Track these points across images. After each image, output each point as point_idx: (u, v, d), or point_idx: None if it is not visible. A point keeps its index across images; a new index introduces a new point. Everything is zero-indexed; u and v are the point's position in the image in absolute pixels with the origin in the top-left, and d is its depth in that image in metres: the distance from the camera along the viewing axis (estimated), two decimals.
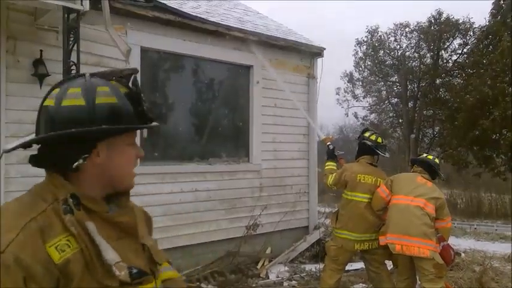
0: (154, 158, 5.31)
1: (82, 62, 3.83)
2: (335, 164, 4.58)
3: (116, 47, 3.91)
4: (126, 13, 4.63)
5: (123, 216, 1.05)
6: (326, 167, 4.58)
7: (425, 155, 4.67)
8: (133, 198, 4.42)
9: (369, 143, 4.40)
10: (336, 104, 23.46)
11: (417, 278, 4.26)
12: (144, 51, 4.98)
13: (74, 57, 3.55)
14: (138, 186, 4.44)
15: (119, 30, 4.46)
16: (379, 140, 4.48)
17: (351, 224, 4.26)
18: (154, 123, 1.06)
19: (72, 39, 3.36)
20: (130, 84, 1.04)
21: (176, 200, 5.38)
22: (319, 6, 66.17)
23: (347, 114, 24.05)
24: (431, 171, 4.37)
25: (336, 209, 4.71)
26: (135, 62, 4.80)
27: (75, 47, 3.51)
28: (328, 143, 4.75)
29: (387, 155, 4.75)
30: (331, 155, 4.64)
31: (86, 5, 3.35)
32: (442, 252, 4.12)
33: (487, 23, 16.89)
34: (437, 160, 4.55)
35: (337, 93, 23.03)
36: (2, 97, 3.95)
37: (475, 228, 12.05)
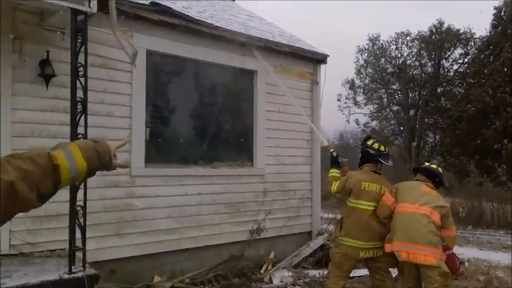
0: (160, 160, 5.32)
1: (89, 63, 3.85)
2: (338, 171, 4.56)
3: (123, 50, 3.93)
4: (133, 16, 4.66)
5: None
6: (330, 174, 4.55)
7: (427, 163, 4.66)
8: (138, 200, 4.46)
9: (372, 151, 4.39)
10: (337, 110, 23.56)
11: (422, 286, 4.24)
12: (149, 54, 5.01)
13: (81, 59, 3.56)
14: (144, 188, 4.46)
15: (125, 33, 4.49)
16: (382, 148, 4.46)
17: (355, 232, 4.22)
18: None
19: (79, 40, 3.38)
20: None
21: (181, 203, 5.37)
22: (320, 14, 66.58)
23: (348, 121, 24.11)
24: (435, 180, 4.36)
25: (340, 217, 4.67)
26: (140, 65, 4.83)
27: (82, 49, 3.53)
28: (331, 150, 4.75)
29: (390, 163, 4.71)
30: (335, 162, 4.61)
31: (94, 7, 3.38)
32: (448, 261, 4.10)
33: (488, 34, 16.99)
34: (440, 169, 4.54)
35: (339, 100, 23.13)
36: (9, 97, 3.96)
37: (478, 237, 11.98)
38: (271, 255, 6.41)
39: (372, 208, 4.22)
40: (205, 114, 5.96)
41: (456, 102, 18.00)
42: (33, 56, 4.07)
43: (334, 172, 4.53)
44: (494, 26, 16.54)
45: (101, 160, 1.23)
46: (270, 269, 6.16)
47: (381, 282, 4.34)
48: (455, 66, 20.46)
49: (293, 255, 6.57)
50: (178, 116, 5.72)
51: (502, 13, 16.15)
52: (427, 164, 4.61)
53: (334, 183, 4.39)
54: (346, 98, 23.11)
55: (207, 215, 5.67)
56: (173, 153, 5.58)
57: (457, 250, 6.48)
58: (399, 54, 21.51)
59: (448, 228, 4.13)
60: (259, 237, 5.93)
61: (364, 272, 6.01)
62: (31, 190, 1.01)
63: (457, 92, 19.65)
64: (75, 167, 1.14)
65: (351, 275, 4.78)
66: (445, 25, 19.45)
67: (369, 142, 4.47)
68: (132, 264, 4.95)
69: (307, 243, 6.84)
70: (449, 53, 20.35)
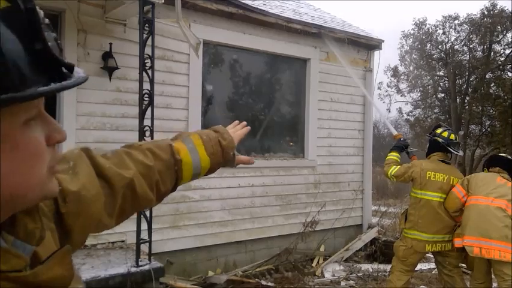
0: None
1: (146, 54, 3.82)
2: (399, 155, 4.41)
3: (185, 41, 3.88)
4: (191, 6, 4.60)
5: (50, 271, 0.55)
6: (389, 157, 4.39)
7: (502, 154, 4.39)
8: (194, 192, 4.39)
9: (441, 139, 4.21)
10: (378, 98, 22.84)
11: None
12: (205, 44, 4.94)
13: (146, 51, 3.53)
14: (199, 180, 4.38)
15: (185, 24, 4.43)
16: (452, 136, 4.26)
17: (421, 224, 4.08)
18: (79, 75, 0.56)
19: (146, 32, 3.34)
20: None
21: (234, 195, 5.34)
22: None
23: (389, 110, 23.32)
24: (510, 168, 4.11)
25: (405, 208, 4.51)
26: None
27: (147, 41, 3.49)
28: (401, 138, 4.60)
29: (461, 153, 4.52)
30: (398, 147, 4.45)
31: None
32: None
33: None
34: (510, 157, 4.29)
35: (379, 88, 22.44)
36: (73, 90, 4.00)
37: None
38: (322, 249, 6.30)
39: (439, 199, 4.07)
40: (258, 105, 5.86)
41: (508, 89, 16.98)
42: (97, 49, 4.09)
43: (393, 156, 4.38)
44: None
45: (225, 155, 1.07)
46: (321, 263, 6.06)
47: (449, 278, 4.16)
48: (508, 51, 19.24)
49: (344, 248, 6.43)
50: (232, 106, 5.65)
51: None
52: (502, 154, 4.33)
53: (393, 167, 4.25)
54: (388, 86, 22.34)
55: (259, 207, 5.61)
56: None
57: None
58: (446, 39, 20.45)
59: None
60: (313, 229, 5.82)
61: (420, 266, 5.81)
62: (150, 188, 0.89)
63: (508, 78, 18.53)
64: (198, 163, 1.00)
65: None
66: (498, 7, 18.31)
67: (438, 131, 4.30)
68: (188, 255, 4.99)
69: (358, 236, 6.68)
70: (501, 37, 19.14)
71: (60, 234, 0.70)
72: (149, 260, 3.61)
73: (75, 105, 4.02)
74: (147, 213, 3.57)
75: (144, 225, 3.62)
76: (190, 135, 1.03)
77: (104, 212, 0.80)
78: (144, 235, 3.63)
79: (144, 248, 3.74)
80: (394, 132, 4.85)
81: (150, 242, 3.62)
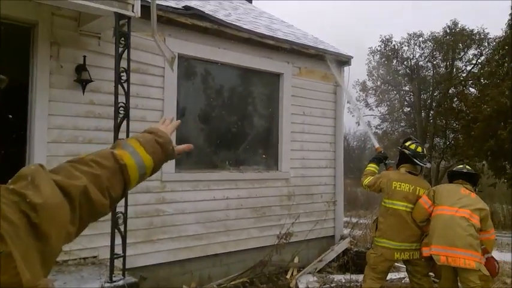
0: (189, 165, 5.28)
1: (122, 67, 3.82)
2: (377, 166, 4.64)
3: (160, 54, 3.90)
4: (166, 20, 4.63)
5: None
6: (367, 168, 4.64)
7: (461, 166, 4.61)
8: (169, 205, 4.38)
9: (408, 151, 4.40)
10: (347, 112, 23.39)
11: None
12: (180, 58, 4.97)
13: (122, 64, 3.53)
14: (173, 194, 4.41)
15: (159, 37, 4.46)
16: (419, 149, 4.45)
17: (390, 232, 4.24)
18: None
19: (122, 45, 3.35)
20: None
21: (209, 208, 5.34)
22: (331, 15, 66.39)
23: (358, 123, 23.96)
24: (472, 180, 4.33)
25: (376, 217, 4.66)
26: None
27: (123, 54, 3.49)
28: (381, 151, 4.87)
29: (428, 165, 4.72)
30: (377, 158, 4.70)
31: (138, 12, 3.34)
32: (487, 264, 4.05)
33: (504, 34, 16.84)
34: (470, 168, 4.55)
35: (348, 102, 22.91)
36: (46, 103, 3.94)
37: (496, 239, 11.85)
38: (296, 260, 6.36)
39: (405, 208, 4.23)
40: (232, 118, 5.92)
41: (470, 103, 17.84)
42: (70, 61, 4.05)
43: (371, 167, 4.62)
44: (510, 26, 16.39)
45: (165, 151, 1.14)
46: (295, 275, 6.10)
47: (419, 286, 4.31)
48: (469, 67, 20.27)
49: (318, 260, 6.51)
50: (206, 119, 5.68)
51: None
52: (461, 166, 4.56)
53: (368, 177, 4.47)
54: (357, 100, 23.04)
55: (234, 220, 5.63)
56: (201, 158, 5.54)
57: None
58: (411, 56, 21.38)
59: (487, 231, 4.09)
60: (286, 241, 5.88)
61: (394, 275, 5.96)
62: (103, 195, 0.93)
63: (470, 93, 19.48)
64: (141, 163, 1.05)
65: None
66: (459, 26, 19.31)
67: (407, 143, 4.51)
68: (162, 270, 4.92)
69: (331, 247, 6.78)
70: (462, 54, 20.18)
71: (38, 246, 0.73)
72: (123, 275, 3.56)
73: (47, 118, 3.95)
74: (122, 227, 3.52)
75: (118, 240, 3.57)
76: (128, 141, 1.09)
77: (69, 219, 0.83)
78: (118, 250, 3.58)
79: (118, 263, 3.68)
80: (377, 145, 5.08)
81: (124, 256, 3.57)
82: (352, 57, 7.04)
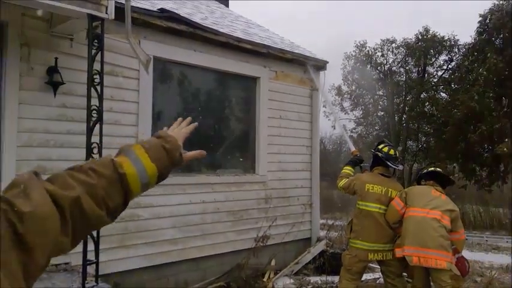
0: None
1: (95, 70, 3.76)
2: (352, 169, 4.73)
3: (135, 57, 3.85)
4: (141, 23, 4.58)
5: None
6: (343, 170, 4.73)
7: (432, 168, 4.74)
8: (144, 210, 4.37)
9: (380, 154, 4.49)
10: (323, 116, 23.70)
11: None
12: (156, 60, 4.93)
13: (95, 66, 3.47)
14: (148, 198, 4.36)
15: (134, 40, 4.41)
16: (391, 152, 4.55)
17: (363, 234, 4.32)
18: None
19: (95, 47, 3.29)
20: None
21: (185, 212, 5.29)
22: (306, 21, 67.20)
23: (334, 127, 24.32)
24: (443, 182, 4.46)
25: (350, 219, 4.74)
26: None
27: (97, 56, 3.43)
28: (357, 154, 4.98)
29: (400, 167, 4.83)
30: (352, 161, 4.80)
31: (111, 14, 3.29)
32: (458, 264, 4.18)
33: (473, 40, 17.46)
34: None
35: (324, 106, 23.22)
36: (15, 105, 3.83)
37: (466, 239, 12.22)
38: (273, 263, 6.37)
39: (378, 210, 4.32)
40: (209, 121, 5.90)
41: (441, 108, 18.38)
42: (41, 63, 3.94)
43: (347, 169, 4.71)
44: (479, 33, 17.01)
45: (171, 158, 1.07)
46: (272, 277, 6.12)
47: (393, 286, 4.39)
48: (440, 73, 20.91)
49: (294, 262, 6.55)
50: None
51: (487, 20, 16.65)
52: (431, 169, 4.68)
53: (344, 180, 4.56)
54: (333, 104, 23.34)
55: (211, 224, 5.60)
56: None
57: None
58: (385, 61, 21.85)
59: (458, 231, 4.22)
60: (263, 244, 5.89)
61: (369, 276, 6.06)
62: (98, 205, 0.89)
63: (441, 98, 20.07)
64: (144, 172, 0.99)
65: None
66: (430, 32, 19.88)
67: (380, 146, 4.60)
68: (137, 276, 4.84)
69: (307, 249, 6.83)
70: (434, 60, 20.78)
71: (21, 257, 0.71)
72: (96, 281, 3.48)
73: (17, 121, 3.83)
74: (94, 233, 3.45)
75: (90, 246, 3.50)
76: (132, 147, 1.03)
77: (60, 230, 0.81)
78: (91, 256, 3.50)
79: (91, 269, 3.60)
80: (353, 149, 5.18)
81: (97, 263, 3.49)
82: (328, 62, 7.15)
